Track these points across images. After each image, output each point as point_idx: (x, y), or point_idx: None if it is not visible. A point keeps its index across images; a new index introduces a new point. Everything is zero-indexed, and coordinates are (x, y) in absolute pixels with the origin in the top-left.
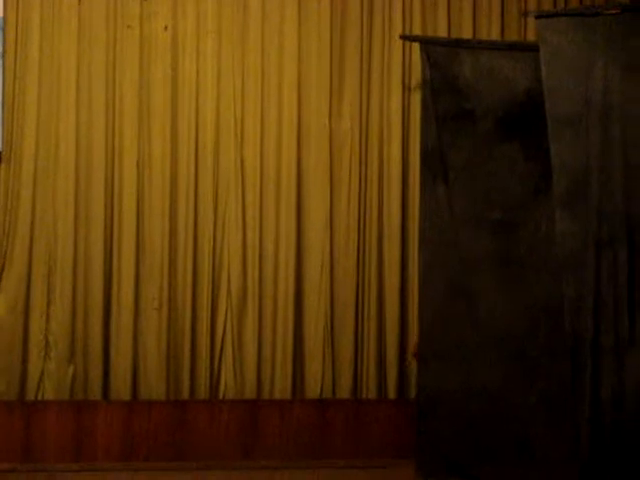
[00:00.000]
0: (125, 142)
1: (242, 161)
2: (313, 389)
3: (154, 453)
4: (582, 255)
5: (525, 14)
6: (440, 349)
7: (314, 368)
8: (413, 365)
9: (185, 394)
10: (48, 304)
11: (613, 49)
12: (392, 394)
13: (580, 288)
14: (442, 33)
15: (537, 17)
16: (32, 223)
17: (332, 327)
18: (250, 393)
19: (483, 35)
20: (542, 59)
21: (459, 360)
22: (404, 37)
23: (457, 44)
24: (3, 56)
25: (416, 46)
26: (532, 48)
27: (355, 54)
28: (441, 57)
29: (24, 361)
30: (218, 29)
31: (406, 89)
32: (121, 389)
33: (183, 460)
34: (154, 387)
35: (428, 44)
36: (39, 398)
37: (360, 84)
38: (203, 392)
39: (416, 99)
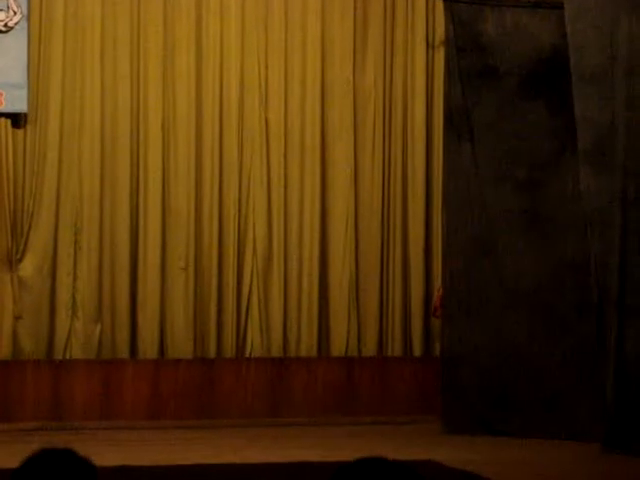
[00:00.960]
0: (150, 103)
1: (266, 120)
2: (339, 347)
3: (181, 411)
4: (607, 212)
5: None
6: (465, 306)
7: (339, 326)
8: (436, 323)
9: (212, 352)
10: (75, 264)
11: (637, 5)
12: (417, 351)
13: (605, 245)
14: None
15: None
16: (58, 184)
17: (357, 285)
18: (276, 351)
19: None
20: (567, 16)
21: (484, 317)
22: None
23: (481, 1)
24: (28, 19)
25: (440, 3)
26: (557, 5)
27: (379, 11)
28: (465, 14)
29: (52, 320)
30: None
31: (430, 46)
32: (148, 348)
33: (210, 418)
34: (181, 346)
35: (452, 1)
36: (67, 357)
37: (384, 42)
38: (230, 350)
39: (440, 57)
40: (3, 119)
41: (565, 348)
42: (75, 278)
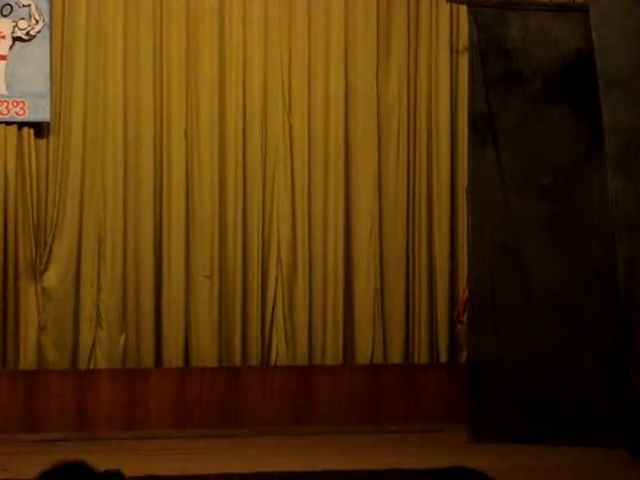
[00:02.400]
0: (173, 111)
1: (290, 128)
2: (364, 354)
3: (206, 419)
4: (635, 216)
5: None
6: (491, 313)
7: (365, 333)
8: (461, 329)
9: (237, 361)
10: (99, 274)
11: None
12: (444, 358)
13: (632, 250)
14: None
15: None
16: (81, 194)
17: (382, 292)
18: (302, 359)
19: None
20: (592, 20)
21: (510, 323)
22: None
23: (505, 6)
24: (50, 27)
25: (463, 8)
26: (582, 9)
27: (402, 17)
28: (489, 19)
29: (76, 330)
30: None
31: (454, 52)
32: (173, 357)
33: (235, 426)
34: (206, 354)
35: (476, 6)
36: (91, 367)
37: (407, 47)
38: (255, 359)
39: (464, 62)
40: (26, 128)
41: (592, 354)
42: (99, 288)
